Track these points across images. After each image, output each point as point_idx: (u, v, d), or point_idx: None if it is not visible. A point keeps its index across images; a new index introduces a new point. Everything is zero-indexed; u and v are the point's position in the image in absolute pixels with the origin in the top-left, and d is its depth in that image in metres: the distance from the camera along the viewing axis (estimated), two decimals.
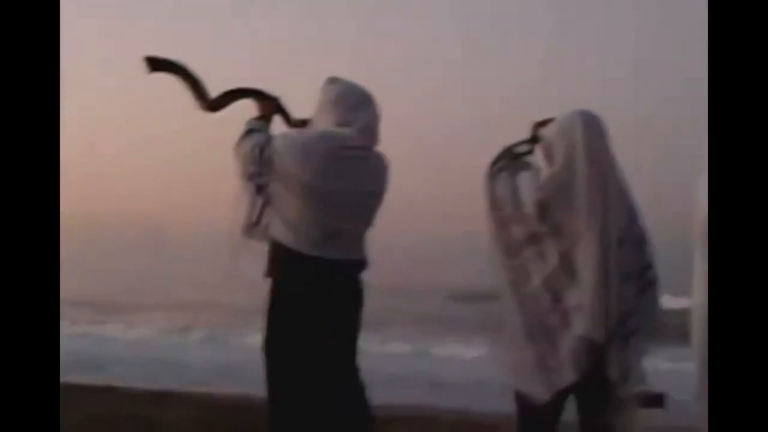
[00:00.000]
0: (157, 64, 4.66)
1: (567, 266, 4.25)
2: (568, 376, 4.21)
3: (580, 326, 4.18)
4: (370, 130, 4.49)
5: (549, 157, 4.42)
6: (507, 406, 4.52)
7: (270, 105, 4.67)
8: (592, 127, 4.35)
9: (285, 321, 4.40)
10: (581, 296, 4.19)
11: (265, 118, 4.62)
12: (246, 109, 4.64)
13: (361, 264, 4.53)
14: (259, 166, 4.35)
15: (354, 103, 4.47)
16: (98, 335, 21.67)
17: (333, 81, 4.56)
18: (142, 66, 4.54)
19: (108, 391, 10.14)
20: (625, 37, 54.62)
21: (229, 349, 19.18)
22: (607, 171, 4.27)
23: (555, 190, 4.26)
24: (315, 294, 4.36)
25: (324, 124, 4.47)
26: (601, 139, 4.34)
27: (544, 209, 4.24)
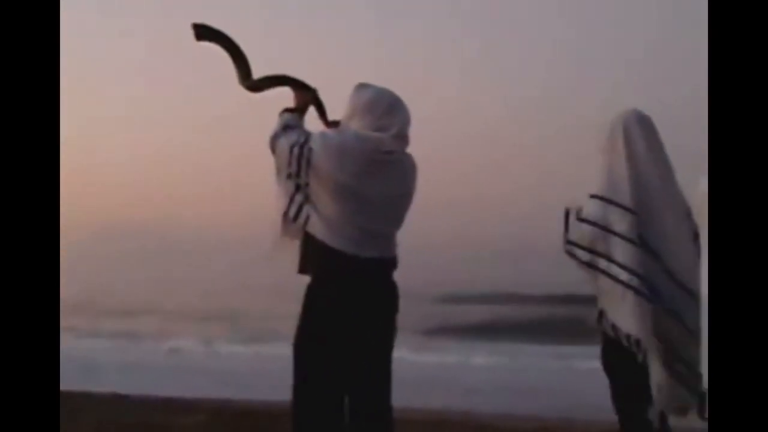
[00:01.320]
0: (203, 33, 4.57)
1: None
2: None
3: None
4: (403, 134, 4.51)
5: (603, 151, 4.51)
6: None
7: (307, 97, 4.65)
8: (635, 128, 4.44)
9: (320, 318, 4.38)
10: None
11: (299, 110, 4.61)
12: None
13: (394, 262, 4.53)
14: (298, 165, 4.36)
15: (386, 109, 4.46)
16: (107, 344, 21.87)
17: (363, 86, 4.56)
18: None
19: (119, 399, 10.16)
20: (625, 38, 54.76)
21: (239, 356, 19.29)
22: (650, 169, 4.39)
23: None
24: (353, 292, 4.36)
25: (356, 128, 4.46)
26: (647, 139, 4.44)
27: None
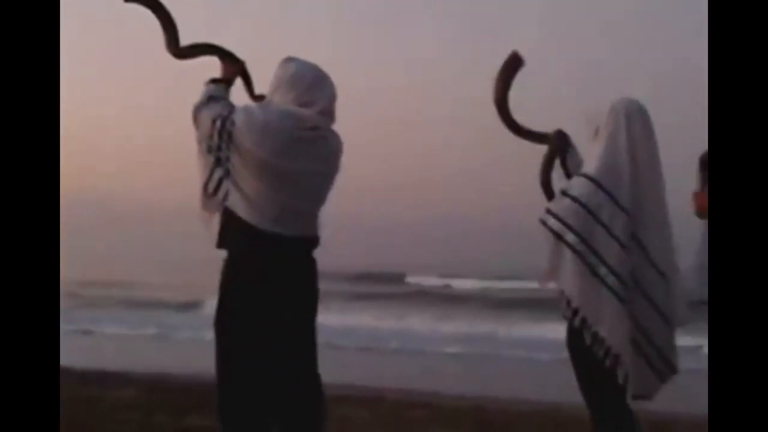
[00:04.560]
0: None
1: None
2: None
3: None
4: (329, 110, 4.45)
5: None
6: None
7: (235, 69, 4.60)
8: (636, 118, 4.37)
9: (239, 295, 4.35)
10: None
11: (226, 81, 4.55)
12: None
13: (315, 241, 4.51)
14: (219, 139, 4.29)
15: (311, 83, 4.41)
16: None
17: (289, 60, 4.50)
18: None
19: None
20: (625, 36, 54.87)
21: (176, 328, 19.22)
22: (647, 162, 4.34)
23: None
24: (272, 269, 4.33)
25: (280, 102, 4.41)
26: (646, 129, 4.38)
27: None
